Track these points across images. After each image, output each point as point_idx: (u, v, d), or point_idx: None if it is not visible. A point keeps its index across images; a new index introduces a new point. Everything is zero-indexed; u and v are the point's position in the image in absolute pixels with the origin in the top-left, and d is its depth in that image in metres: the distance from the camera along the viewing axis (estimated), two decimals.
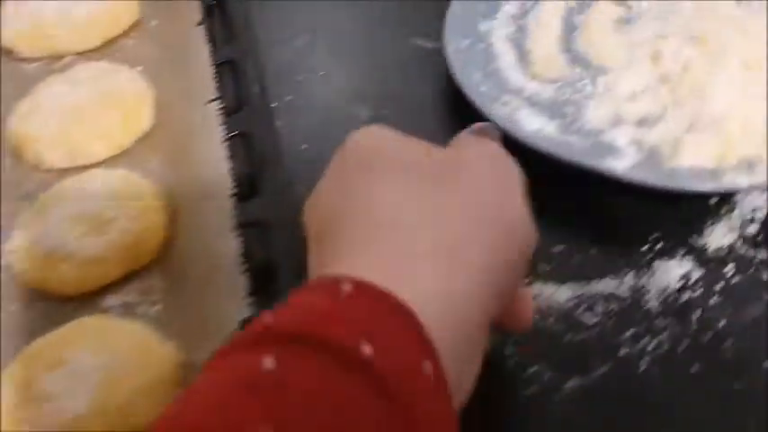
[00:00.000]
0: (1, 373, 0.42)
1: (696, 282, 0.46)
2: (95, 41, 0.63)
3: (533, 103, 0.55)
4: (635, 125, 0.53)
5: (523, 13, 0.62)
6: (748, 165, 0.50)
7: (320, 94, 0.59)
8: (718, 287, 0.46)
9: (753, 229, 0.48)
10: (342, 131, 0.55)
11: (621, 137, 0.52)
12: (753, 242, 0.48)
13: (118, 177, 0.51)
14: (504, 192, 0.34)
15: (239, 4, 0.62)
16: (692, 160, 0.50)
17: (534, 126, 0.53)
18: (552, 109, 0.55)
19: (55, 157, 0.54)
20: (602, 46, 0.59)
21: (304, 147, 0.55)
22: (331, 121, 0.57)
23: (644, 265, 0.47)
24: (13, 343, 0.45)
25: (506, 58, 0.59)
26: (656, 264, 0.47)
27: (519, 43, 0.60)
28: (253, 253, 0.44)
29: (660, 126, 0.53)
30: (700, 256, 0.47)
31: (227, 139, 0.51)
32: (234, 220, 0.46)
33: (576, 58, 0.59)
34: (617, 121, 0.54)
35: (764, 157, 0.50)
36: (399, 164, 0.33)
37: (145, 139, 0.55)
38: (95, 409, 0.39)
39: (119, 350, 0.42)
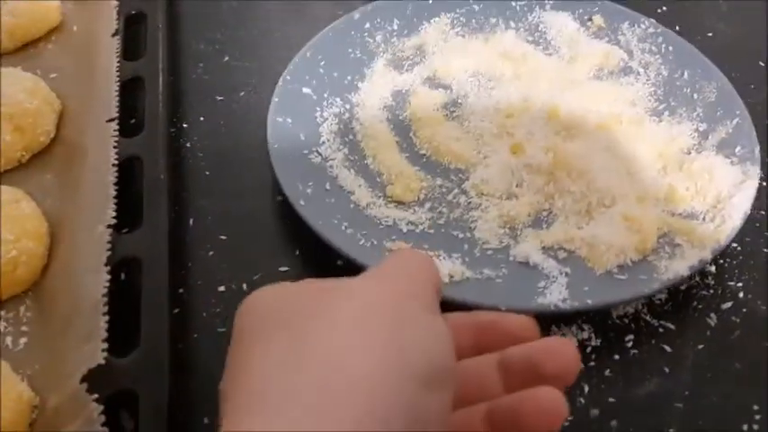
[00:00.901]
0: None
1: (591, 351, 0.43)
2: (11, 45, 0.60)
3: (419, 238, 0.48)
4: (532, 228, 0.49)
5: (347, 129, 0.55)
6: (670, 243, 0.47)
7: (236, 117, 0.57)
8: (614, 358, 0.43)
9: (661, 296, 0.46)
10: (250, 158, 0.53)
11: (533, 252, 0.47)
12: (659, 311, 0.45)
13: (3, 194, 0.48)
14: (399, 308, 0.29)
15: (161, 17, 0.59)
16: (615, 258, 0.46)
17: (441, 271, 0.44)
18: (442, 239, 0.48)
19: None
20: (447, 143, 0.54)
21: (207, 173, 0.53)
22: (240, 147, 0.54)
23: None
24: None
25: (360, 191, 0.51)
26: (553, 329, 0.44)
27: (360, 165, 0.53)
28: (117, 292, 0.41)
29: (557, 224, 0.49)
30: (601, 322, 0.45)
31: (116, 164, 0.48)
32: (106, 254, 0.43)
33: (428, 166, 0.53)
34: (513, 231, 0.49)
35: (679, 226, 0.48)
36: (279, 324, 0.29)
37: (42, 154, 0.53)
38: None
39: None
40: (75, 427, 0.38)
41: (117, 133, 0.50)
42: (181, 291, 0.46)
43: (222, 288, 0.47)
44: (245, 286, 0.46)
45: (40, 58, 0.60)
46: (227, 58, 0.61)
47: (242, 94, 0.58)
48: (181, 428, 0.40)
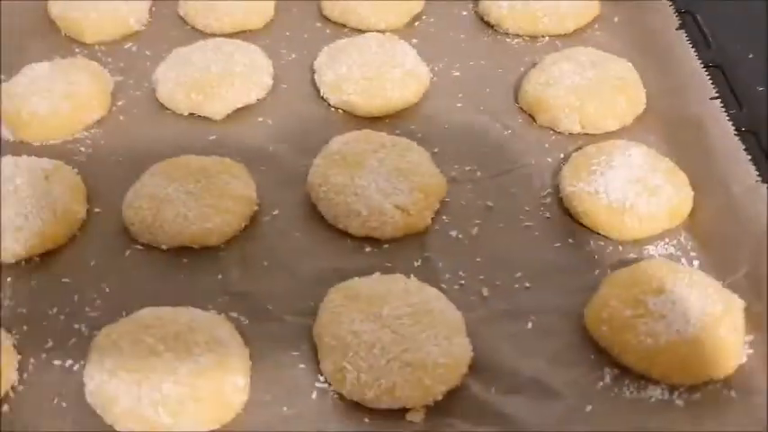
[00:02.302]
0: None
1: None
2: (569, 28, 0.74)
3: None
4: None
5: None
6: None
7: None
8: None
9: None
10: None
11: None
12: None
13: (644, 150, 0.61)
14: None
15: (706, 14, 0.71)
16: None
17: None
18: None
19: (569, 124, 0.65)
20: None
21: None
22: None
23: None
24: None
25: None
26: None
27: None
28: None
29: None
30: None
31: (737, 134, 0.61)
32: None
33: None
34: None
35: None
36: None
37: (641, 118, 0.66)
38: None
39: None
40: None
41: (723, 109, 0.63)
42: None
43: None
44: None
45: (589, 42, 0.73)
46: None
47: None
48: None
